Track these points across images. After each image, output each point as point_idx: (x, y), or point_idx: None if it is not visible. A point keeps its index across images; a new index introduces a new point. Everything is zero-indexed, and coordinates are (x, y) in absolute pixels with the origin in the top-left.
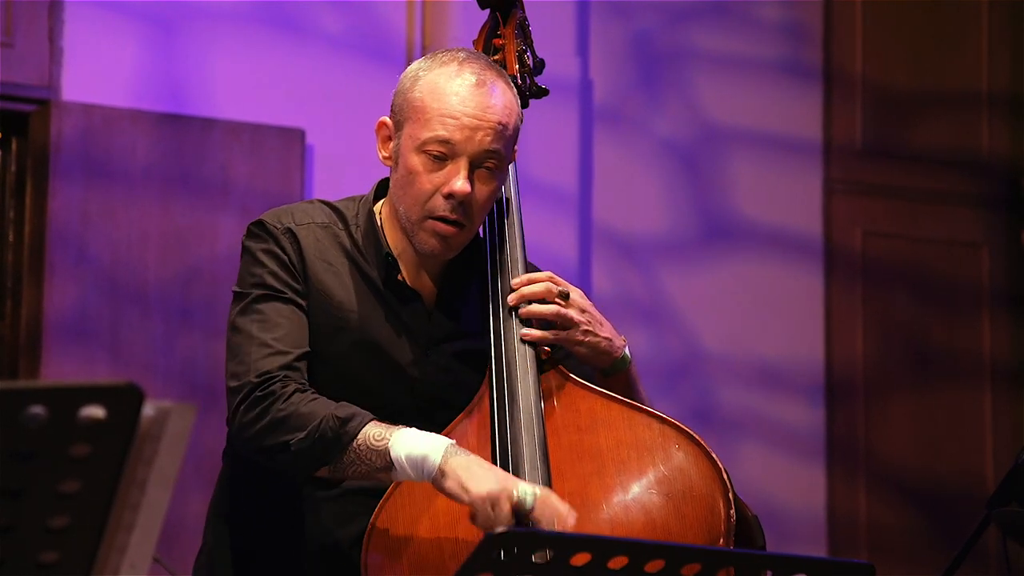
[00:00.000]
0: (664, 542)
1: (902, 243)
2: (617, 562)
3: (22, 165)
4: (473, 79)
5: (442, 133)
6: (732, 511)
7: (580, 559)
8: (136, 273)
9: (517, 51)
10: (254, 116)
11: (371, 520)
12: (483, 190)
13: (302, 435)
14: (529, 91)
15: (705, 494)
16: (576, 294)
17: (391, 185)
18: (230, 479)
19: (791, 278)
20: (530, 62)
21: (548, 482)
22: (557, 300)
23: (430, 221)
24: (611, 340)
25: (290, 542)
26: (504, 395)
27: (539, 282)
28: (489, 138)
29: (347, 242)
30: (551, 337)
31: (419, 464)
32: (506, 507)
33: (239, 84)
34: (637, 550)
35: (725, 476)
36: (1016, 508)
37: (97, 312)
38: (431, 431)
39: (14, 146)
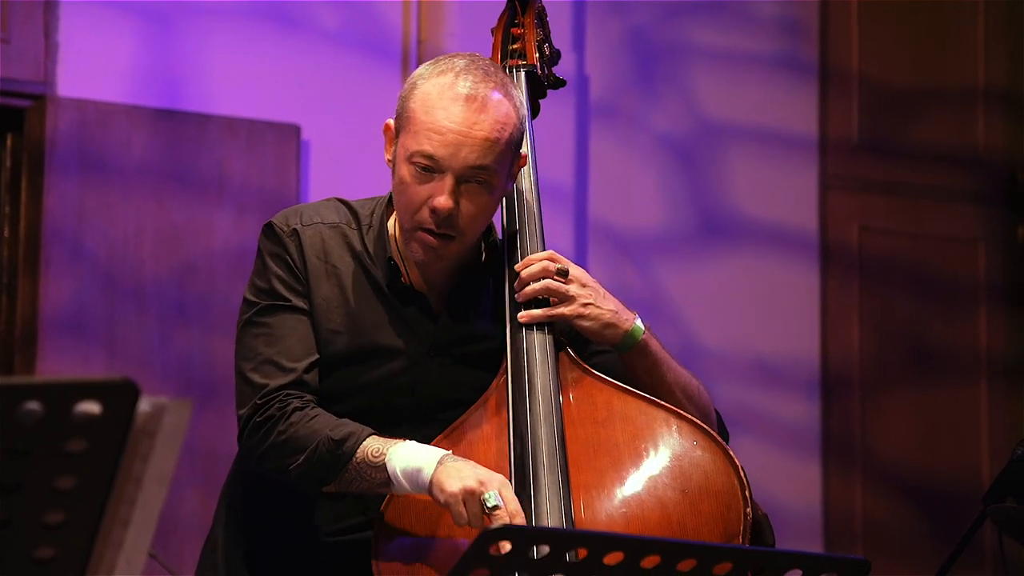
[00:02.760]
0: (659, 538)
1: (898, 239)
2: (613, 558)
3: (17, 160)
4: (464, 93)
5: (427, 148)
6: (749, 509)
7: (576, 555)
8: (132, 269)
9: (537, 40)
10: (250, 112)
11: (380, 509)
12: (472, 204)
13: (300, 459)
14: (547, 81)
15: (722, 491)
16: (577, 271)
17: (392, 189)
18: (241, 472)
19: (787, 274)
20: (548, 52)
21: (566, 474)
22: (555, 277)
23: (419, 232)
24: (617, 312)
25: (297, 535)
26: (523, 386)
27: (537, 262)
28: (475, 155)
29: (357, 242)
30: (544, 314)
31: (414, 477)
32: (475, 506)
33: (235, 80)
34: (633, 546)
35: (742, 474)
36: (1012, 504)
37: (93, 308)
38: (432, 434)
39: (9, 141)
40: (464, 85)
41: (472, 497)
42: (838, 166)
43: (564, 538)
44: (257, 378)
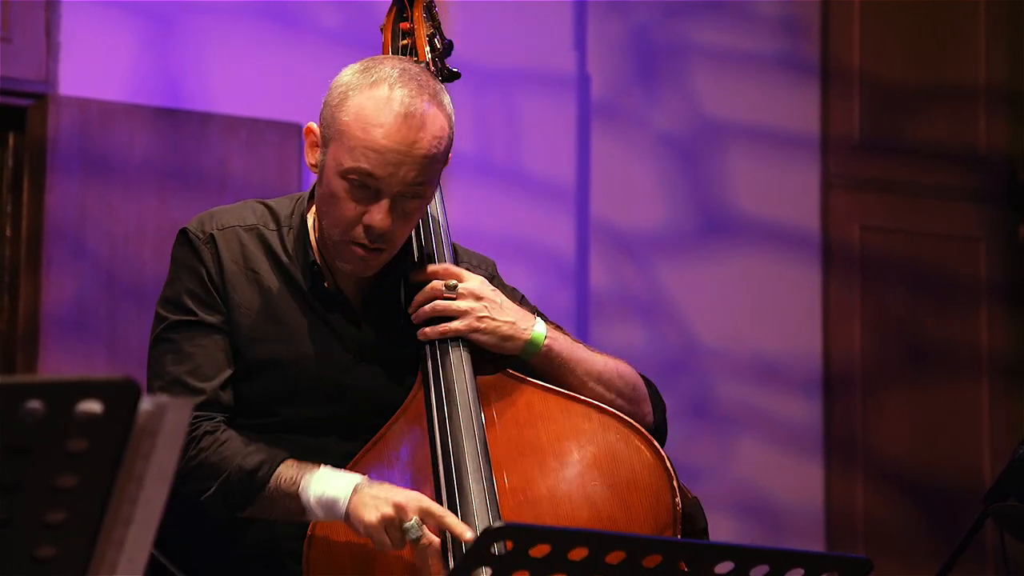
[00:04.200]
0: (663, 537)
1: (899, 237)
2: (614, 557)
3: (19, 160)
4: (403, 110)
5: (364, 166)
6: (678, 499)
7: (577, 553)
8: (133, 268)
9: (427, 35)
10: (251, 111)
11: (310, 525)
12: (405, 217)
13: (212, 488)
14: (441, 75)
15: (649, 483)
16: (474, 283)
17: (316, 195)
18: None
19: (789, 273)
20: (440, 45)
21: (491, 480)
22: (444, 295)
23: (351, 246)
24: (515, 323)
25: (232, 540)
26: (440, 395)
27: (429, 281)
28: (413, 173)
29: (277, 244)
30: (443, 331)
31: (330, 508)
32: (396, 534)
33: (236, 79)
34: (634, 545)
35: (668, 464)
36: (1013, 503)
37: (94, 307)
38: (365, 438)
39: (11, 141)
40: (401, 100)
41: (392, 524)
42: (839, 165)
43: (566, 537)
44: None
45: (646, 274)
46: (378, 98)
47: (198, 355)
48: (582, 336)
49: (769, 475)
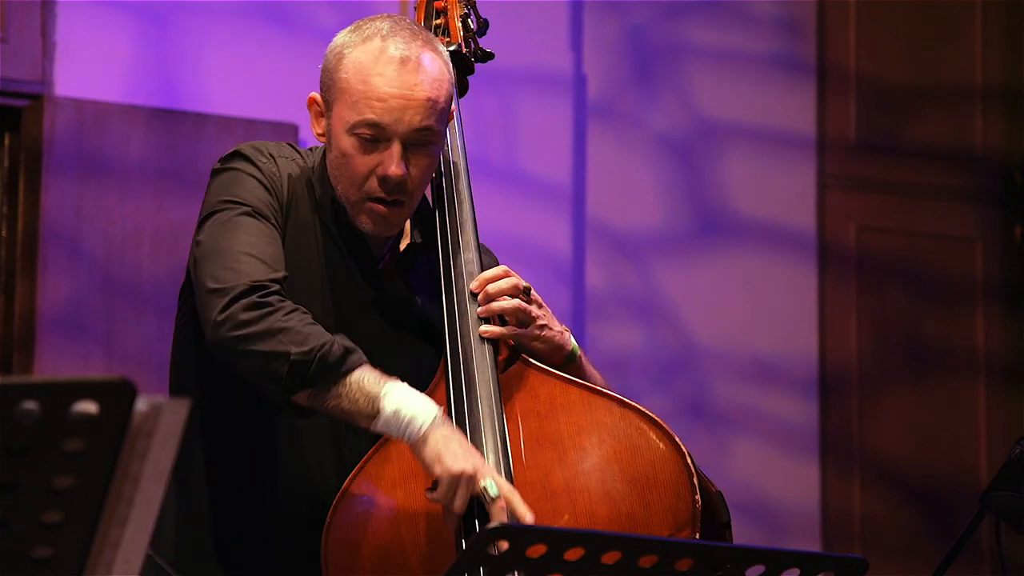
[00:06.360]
0: (659, 537)
1: (896, 238)
2: (610, 557)
3: (15, 160)
4: (398, 55)
5: (370, 116)
6: (697, 496)
7: (573, 554)
8: (130, 268)
9: (460, 15)
10: (248, 111)
11: (329, 513)
12: (419, 167)
13: (304, 349)
14: (474, 56)
15: (669, 480)
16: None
17: (327, 163)
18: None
19: (785, 273)
20: (474, 25)
21: (509, 473)
22: (520, 296)
23: (368, 203)
24: (563, 333)
25: (263, 482)
26: (461, 383)
27: (502, 278)
28: (419, 116)
29: (310, 188)
30: (510, 333)
31: (405, 423)
32: (466, 492)
33: (232, 79)
34: (630, 545)
35: (689, 460)
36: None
37: (91, 307)
38: None
39: (7, 141)
40: (396, 48)
41: (469, 482)
42: (836, 165)
43: (562, 537)
44: (244, 263)
45: (642, 274)
46: (373, 50)
47: (271, 244)
48: (579, 337)
49: (765, 475)
